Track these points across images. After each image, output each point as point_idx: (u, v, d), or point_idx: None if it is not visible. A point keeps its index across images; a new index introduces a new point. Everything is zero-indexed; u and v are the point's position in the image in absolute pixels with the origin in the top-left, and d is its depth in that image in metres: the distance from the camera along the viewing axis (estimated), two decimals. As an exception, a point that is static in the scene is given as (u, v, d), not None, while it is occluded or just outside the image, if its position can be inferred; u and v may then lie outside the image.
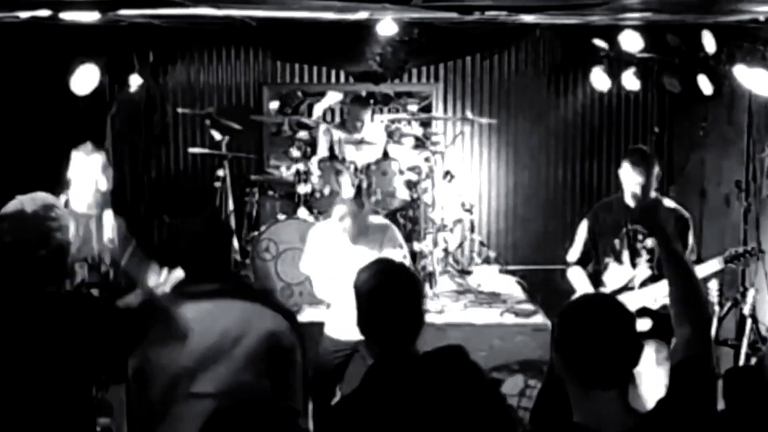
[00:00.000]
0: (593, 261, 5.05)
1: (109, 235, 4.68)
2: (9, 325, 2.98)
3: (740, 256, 4.79)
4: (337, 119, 7.87)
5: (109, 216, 4.72)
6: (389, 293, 2.75)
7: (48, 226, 3.10)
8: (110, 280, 4.64)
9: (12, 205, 3.15)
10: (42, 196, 3.22)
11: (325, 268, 5.26)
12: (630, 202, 4.95)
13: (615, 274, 4.89)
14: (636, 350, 2.23)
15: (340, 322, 5.07)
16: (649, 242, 4.95)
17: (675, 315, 2.50)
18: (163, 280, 4.48)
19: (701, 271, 4.74)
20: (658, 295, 4.72)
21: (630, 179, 4.88)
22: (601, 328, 2.21)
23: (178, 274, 4.44)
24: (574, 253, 5.11)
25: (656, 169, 4.92)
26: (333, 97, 7.78)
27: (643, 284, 4.83)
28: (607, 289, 4.87)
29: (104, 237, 4.67)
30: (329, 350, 5.21)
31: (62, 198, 4.55)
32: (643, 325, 4.62)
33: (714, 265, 4.77)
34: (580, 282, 5.03)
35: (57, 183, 4.76)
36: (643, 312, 4.65)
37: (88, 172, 4.60)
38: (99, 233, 4.67)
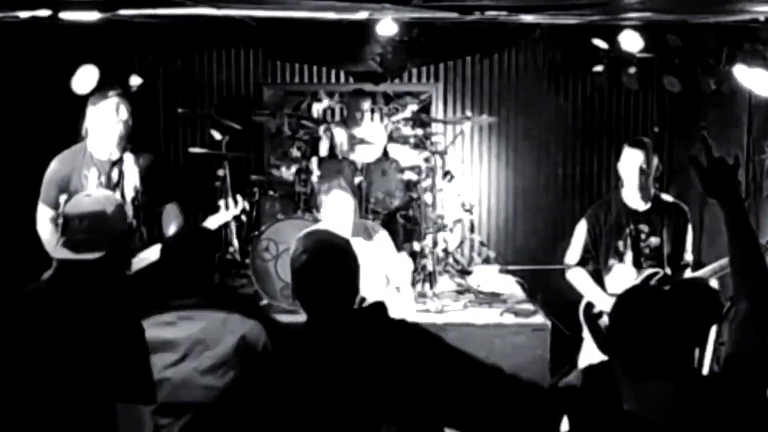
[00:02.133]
0: (593, 262, 5.04)
1: (133, 183, 4.69)
2: (61, 322, 2.94)
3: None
4: (338, 117, 7.86)
5: (130, 160, 4.72)
6: (317, 270, 2.81)
7: (122, 228, 3.14)
8: (132, 231, 4.65)
9: (89, 204, 3.17)
10: (113, 197, 3.28)
11: None
12: (629, 198, 4.94)
13: (619, 275, 4.88)
14: (689, 342, 2.27)
15: None
16: (653, 241, 4.94)
17: (735, 286, 2.44)
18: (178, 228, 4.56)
19: (713, 269, 4.75)
20: None
21: (630, 162, 4.86)
22: (654, 320, 2.23)
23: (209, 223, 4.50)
24: (573, 254, 5.09)
25: (655, 160, 4.92)
26: (328, 99, 7.79)
27: (660, 283, 4.82)
28: (615, 291, 4.84)
29: (127, 185, 4.68)
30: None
31: (82, 146, 4.60)
32: None
33: (723, 266, 4.77)
34: (583, 283, 5.00)
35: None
36: None
37: (108, 110, 4.63)
38: (121, 180, 4.68)
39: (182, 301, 3.52)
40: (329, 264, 2.80)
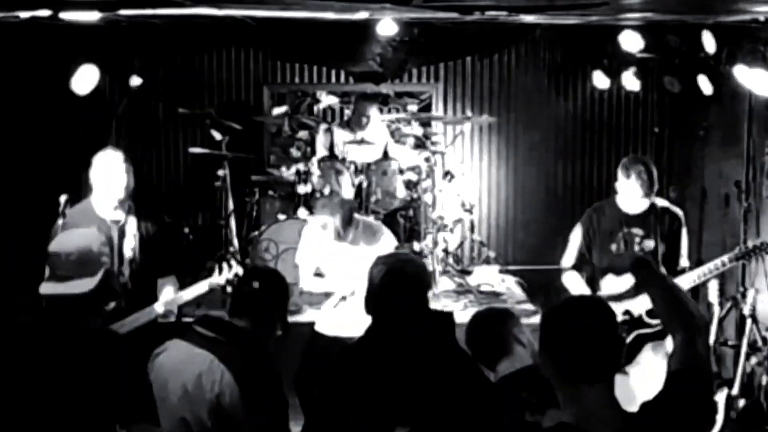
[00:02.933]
0: (588, 265, 5.05)
1: (131, 245, 4.70)
2: (41, 356, 3.00)
3: (750, 252, 4.80)
4: (338, 119, 7.87)
5: (132, 224, 4.73)
6: (397, 289, 3.16)
7: (104, 262, 3.19)
8: (127, 293, 4.66)
9: (76, 240, 3.23)
10: (94, 234, 3.32)
11: (314, 263, 5.31)
12: (623, 203, 4.94)
13: (613, 279, 4.89)
14: (618, 346, 2.35)
15: (330, 318, 5.08)
16: (647, 244, 4.94)
17: (665, 325, 2.61)
18: (171, 299, 4.58)
19: (711, 268, 4.75)
20: None
21: (633, 193, 4.85)
22: (584, 325, 2.31)
23: (186, 294, 4.55)
24: (568, 258, 5.10)
25: (655, 178, 4.90)
26: (328, 99, 7.80)
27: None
28: (610, 294, 4.83)
29: (126, 246, 4.69)
30: (318, 346, 5.21)
31: (66, 216, 4.58)
32: (655, 326, 4.67)
33: (724, 262, 4.78)
34: (576, 286, 5.02)
35: (56, 184, 4.78)
36: (654, 313, 4.64)
37: (111, 174, 4.61)
38: (120, 242, 4.68)
39: (204, 331, 3.48)
40: (404, 287, 3.19)
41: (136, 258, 4.71)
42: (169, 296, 4.64)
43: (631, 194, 4.87)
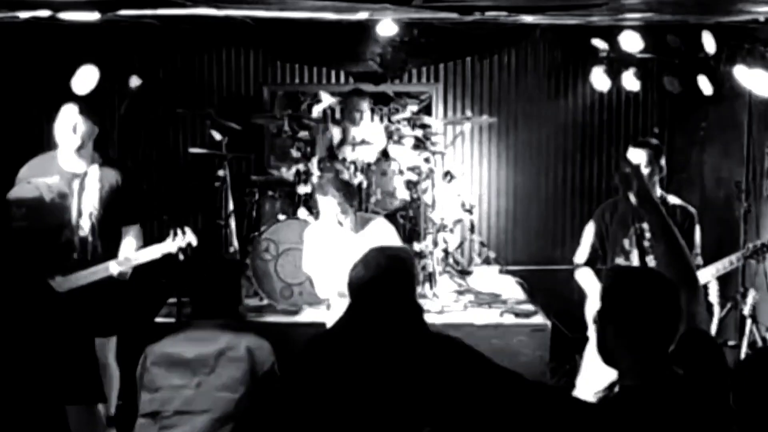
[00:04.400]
0: (601, 261, 5.05)
1: (93, 197, 4.71)
2: (7, 314, 2.87)
3: (758, 250, 4.80)
4: (337, 117, 7.86)
5: (94, 174, 4.73)
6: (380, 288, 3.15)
7: (64, 218, 3.11)
8: (86, 245, 4.68)
9: (29, 190, 3.11)
10: (58, 185, 3.23)
11: (323, 267, 5.28)
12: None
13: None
14: (676, 317, 2.43)
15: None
16: None
17: (671, 277, 2.63)
18: (125, 258, 4.61)
19: (718, 268, 4.76)
20: None
21: (636, 161, 4.86)
22: (645, 297, 2.41)
23: (140, 256, 4.57)
24: (581, 254, 5.11)
25: (663, 161, 4.91)
26: (328, 99, 7.78)
27: None
28: None
29: (85, 199, 4.69)
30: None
31: (52, 153, 4.66)
32: None
33: (732, 261, 4.79)
34: (589, 283, 5.02)
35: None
36: None
37: (67, 124, 4.69)
38: (81, 194, 4.69)
39: (207, 322, 3.83)
40: (380, 276, 3.17)
41: (96, 211, 4.72)
42: (124, 254, 4.70)
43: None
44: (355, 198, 5.41)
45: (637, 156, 4.87)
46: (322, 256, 5.30)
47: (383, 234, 5.34)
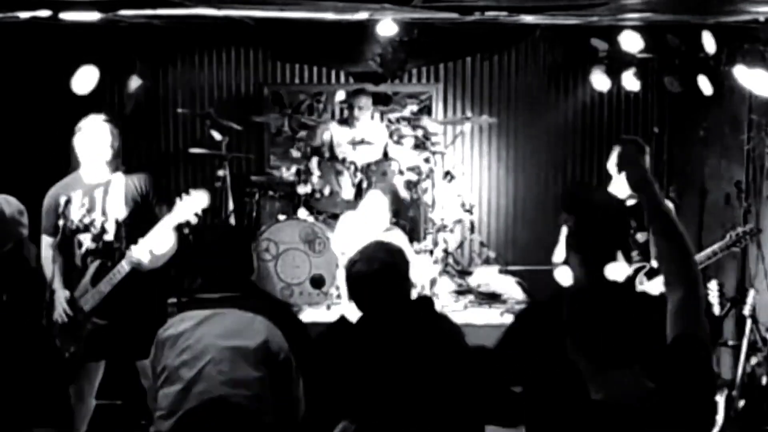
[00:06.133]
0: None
1: (119, 201, 4.68)
2: None
3: (741, 238, 4.82)
4: (337, 117, 7.87)
5: (119, 181, 4.71)
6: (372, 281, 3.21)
7: (21, 232, 3.05)
8: (113, 250, 4.66)
9: None
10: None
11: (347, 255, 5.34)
12: (617, 192, 4.97)
13: (611, 271, 4.90)
14: (646, 329, 2.35)
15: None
16: (640, 236, 4.97)
17: (666, 275, 2.55)
18: (145, 241, 4.55)
19: (702, 258, 4.78)
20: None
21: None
22: (611, 309, 2.34)
23: (162, 226, 4.49)
24: (559, 253, 5.14)
25: (647, 158, 4.95)
26: (340, 95, 7.82)
27: (649, 276, 4.85)
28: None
29: (110, 205, 4.68)
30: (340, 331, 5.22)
31: (76, 173, 4.63)
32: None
33: (715, 251, 4.80)
34: (568, 281, 5.04)
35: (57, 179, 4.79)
36: None
37: (94, 136, 4.64)
38: (104, 200, 4.68)
39: (209, 296, 3.53)
40: (381, 270, 3.22)
41: (123, 216, 4.70)
42: (144, 242, 4.55)
43: (616, 171, 4.90)
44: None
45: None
46: (350, 244, 5.37)
47: (400, 243, 5.38)
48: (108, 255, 4.63)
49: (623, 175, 2.80)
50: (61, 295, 4.54)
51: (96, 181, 4.68)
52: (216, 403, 3.29)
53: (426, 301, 3.38)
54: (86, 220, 4.62)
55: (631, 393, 2.30)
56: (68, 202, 4.58)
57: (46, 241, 4.65)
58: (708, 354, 2.45)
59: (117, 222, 4.67)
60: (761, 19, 5.54)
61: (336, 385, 3.11)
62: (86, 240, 4.64)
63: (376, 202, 6.00)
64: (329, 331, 3.39)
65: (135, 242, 4.56)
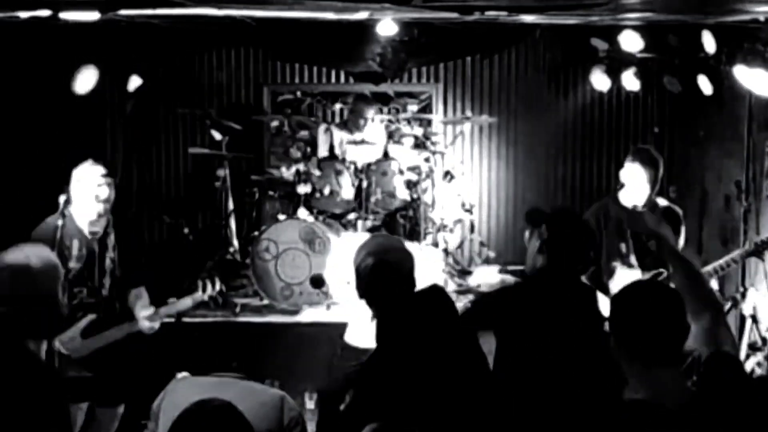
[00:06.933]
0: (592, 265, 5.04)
1: (111, 256, 4.69)
2: None
3: (760, 248, 4.81)
4: (337, 119, 7.87)
5: (112, 236, 4.72)
6: (383, 271, 3.33)
7: (50, 285, 2.97)
8: (107, 305, 4.66)
9: (14, 257, 2.97)
10: (46, 252, 3.11)
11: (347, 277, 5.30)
12: (626, 201, 4.95)
13: (624, 278, 4.88)
14: (686, 330, 2.44)
15: (361, 329, 5.04)
16: (653, 243, 4.95)
17: (691, 309, 2.62)
18: (152, 313, 4.57)
19: (719, 266, 4.77)
20: None
21: (638, 179, 4.86)
22: (657, 310, 2.41)
23: (170, 308, 4.55)
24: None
25: (661, 171, 4.92)
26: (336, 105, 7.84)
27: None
28: None
29: (107, 259, 4.68)
30: (346, 358, 5.18)
31: (66, 215, 4.55)
32: None
33: (735, 259, 4.79)
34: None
35: (56, 184, 4.78)
36: None
37: (92, 188, 4.57)
38: (102, 255, 4.67)
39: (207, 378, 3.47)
40: (391, 264, 3.34)
41: (116, 270, 4.71)
42: (149, 311, 4.63)
43: (636, 181, 4.87)
44: None
45: (639, 174, 4.86)
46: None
47: None
48: (106, 310, 4.63)
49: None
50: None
51: (92, 231, 4.64)
52: None
53: (437, 291, 3.44)
54: (85, 274, 4.61)
55: (673, 394, 2.34)
56: (66, 248, 4.54)
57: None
58: (742, 368, 2.54)
59: (112, 275, 4.68)
60: (761, 19, 5.54)
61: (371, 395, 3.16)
62: (81, 294, 4.62)
63: None
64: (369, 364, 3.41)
65: (124, 297, 4.60)
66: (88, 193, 4.58)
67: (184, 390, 3.35)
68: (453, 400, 3.08)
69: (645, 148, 5.08)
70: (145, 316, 4.59)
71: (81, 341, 4.45)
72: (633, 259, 4.93)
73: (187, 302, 4.71)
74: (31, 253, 3.00)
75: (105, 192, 4.59)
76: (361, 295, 3.42)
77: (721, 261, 4.82)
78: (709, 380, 2.41)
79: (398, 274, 3.37)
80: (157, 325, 4.63)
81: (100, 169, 4.60)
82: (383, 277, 3.34)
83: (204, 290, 4.72)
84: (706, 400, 2.35)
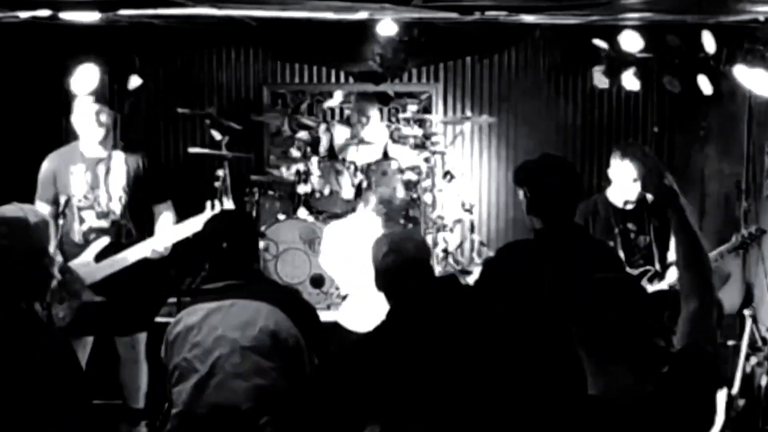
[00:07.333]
0: None
1: (120, 181, 4.73)
2: None
3: (747, 240, 4.82)
4: (338, 117, 7.87)
5: (119, 158, 4.77)
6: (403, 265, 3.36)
7: (45, 242, 3.02)
8: (120, 228, 4.70)
9: (11, 211, 3.04)
10: (42, 212, 3.20)
11: (347, 264, 5.29)
12: (615, 198, 4.96)
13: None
14: (646, 327, 2.37)
15: (357, 313, 5.05)
16: (642, 239, 4.97)
17: (684, 284, 2.58)
18: (163, 236, 4.61)
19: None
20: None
21: (624, 175, 4.88)
22: (615, 305, 2.35)
23: (189, 225, 4.55)
24: None
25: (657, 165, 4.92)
26: (339, 97, 7.83)
27: (650, 280, 4.86)
28: None
29: (113, 183, 4.72)
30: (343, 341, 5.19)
31: (74, 144, 4.71)
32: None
33: (722, 253, 4.81)
34: None
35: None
36: None
37: (86, 119, 4.78)
38: (107, 178, 4.72)
39: (214, 286, 3.55)
40: (412, 259, 3.39)
41: (125, 194, 4.75)
42: (161, 231, 4.73)
43: (624, 178, 4.88)
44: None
45: (628, 169, 4.87)
46: (346, 253, 5.34)
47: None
48: (115, 234, 4.67)
49: (642, 183, 2.82)
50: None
51: (96, 156, 4.73)
52: (232, 394, 3.34)
53: (452, 280, 3.56)
54: (90, 197, 4.66)
55: (627, 393, 2.30)
56: (70, 175, 4.64)
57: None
58: (713, 367, 2.47)
59: (120, 201, 4.72)
60: (761, 19, 5.54)
61: (367, 391, 3.12)
62: (89, 217, 4.68)
63: (368, 217, 5.79)
64: (359, 341, 3.44)
65: (138, 221, 4.65)
66: (86, 120, 4.79)
67: (190, 315, 3.50)
68: (455, 400, 3.07)
69: (631, 143, 5.12)
70: (153, 239, 4.63)
71: (94, 265, 4.50)
72: (621, 256, 4.94)
73: (194, 224, 4.72)
74: (28, 209, 3.09)
75: (101, 119, 4.79)
76: (380, 289, 3.43)
77: (710, 254, 4.83)
78: (673, 377, 2.37)
79: (418, 268, 3.41)
80: (163, 249, 4.65)
81: (90, 100, 4.91)
82: (403, 272, 3.37)
83: (212, 210, 4.78)
84: (663, 398, 2.31)
